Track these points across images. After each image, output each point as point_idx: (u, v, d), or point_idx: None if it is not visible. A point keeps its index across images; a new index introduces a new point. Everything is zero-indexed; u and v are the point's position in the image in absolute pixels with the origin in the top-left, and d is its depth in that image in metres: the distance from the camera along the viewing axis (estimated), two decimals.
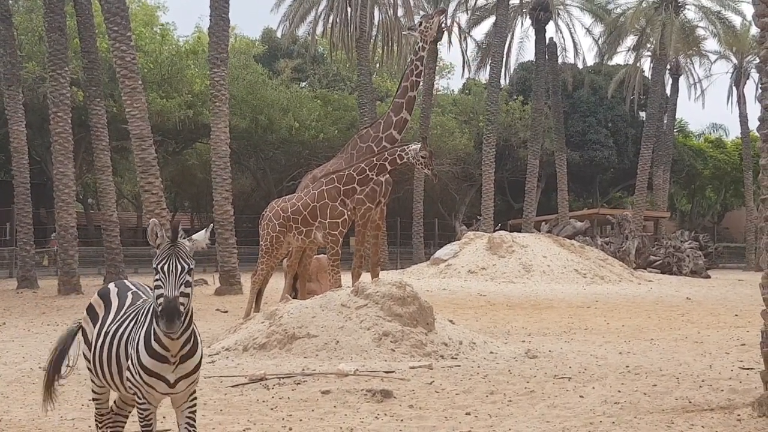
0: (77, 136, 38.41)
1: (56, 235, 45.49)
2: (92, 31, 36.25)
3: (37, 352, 15.93)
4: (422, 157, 17.88)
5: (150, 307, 6.68)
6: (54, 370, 7.98)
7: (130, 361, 6.70)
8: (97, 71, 36.11)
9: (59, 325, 21.02)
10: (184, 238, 6.54)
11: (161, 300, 6.26)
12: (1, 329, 20.61)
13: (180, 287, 6.27)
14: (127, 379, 6.76)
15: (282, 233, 19.03)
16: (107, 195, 35.37)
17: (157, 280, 6.33)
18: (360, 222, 19.50)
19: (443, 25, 19.94)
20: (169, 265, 6.31)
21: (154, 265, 6.37)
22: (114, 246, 34.85)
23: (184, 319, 6.39)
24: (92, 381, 7.55)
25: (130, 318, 6.93)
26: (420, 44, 19.58)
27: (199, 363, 6.78)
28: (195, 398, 6.98)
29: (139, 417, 6.85)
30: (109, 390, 7.59)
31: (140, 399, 6.74)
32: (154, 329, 6.47)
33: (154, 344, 6.50)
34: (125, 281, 7.69)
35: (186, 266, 6.35)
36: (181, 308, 6.25)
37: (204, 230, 6.74)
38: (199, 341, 6.75)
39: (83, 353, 7.54)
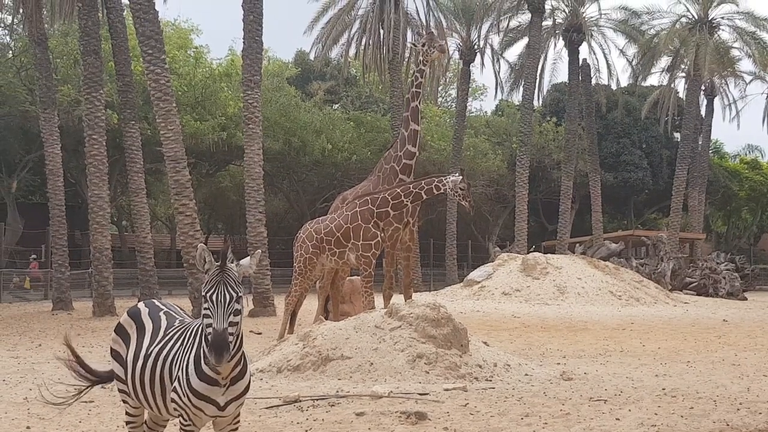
0: (112, 159, 38.71)
1: (35, 257, 45.98)
2: (127, 54, 36.49)
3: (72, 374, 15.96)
4: (461, 189, 17.83)
5: (197, 328, 6.64)
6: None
7: (177, 383, 6.63)
8: (131, 94, 36.36)
9: (94, 346, 21.09)
10: (232, 263, 6.48)
11: (210, 332, 6.22)
12: (36, 351, 20.70)
13: (229, 318, 6.21)
14: (173, 400, 6.71)
15: (315, 254, 19.03)
16: (141, 217, 35.52)
17: (206, 309, 6.28)
18: (388, 243, 19.48)
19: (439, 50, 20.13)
20: (217, 294, 6.25)
21: (203, 293, 6.32)
22: (148, 268, 34.99)
23: (234, 344, 6.35)
24: (125, 403, 7.49)
25: (174, 339, 6.88)
26: (421, 59, 19.82)
27: (248, 385, 6.74)
28: (239, 422, 6.93)
29: None
30: (144, 412, 7.54)
31: (185, 421, 6.68)
32: (204, 352, 6.43)
33: (204, 367, 6.46)
34: (153, 301, 7.64)
35: (235, 294, 6.30)
36: (230, 339, 6.19)
37: (250, 256, 6.69)
38: (248, 364, 6.72)
39: (116, 374, 7.47)
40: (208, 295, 6.27)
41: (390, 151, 19.92)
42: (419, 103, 19.96)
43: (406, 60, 54.58)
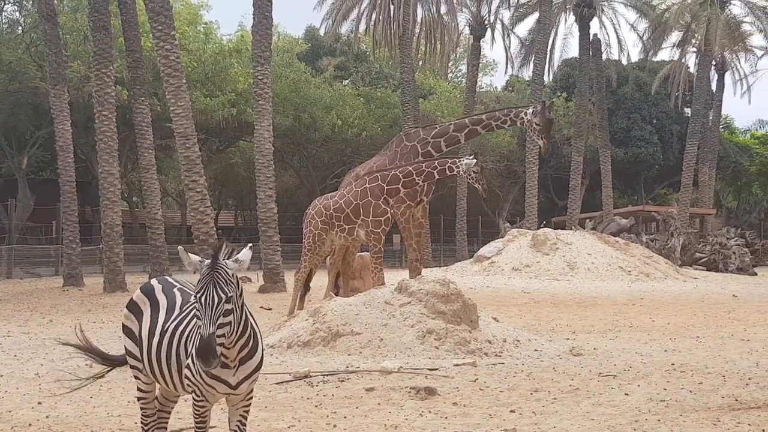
0: (122, 135, 38.74)
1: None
2: (137, 30, 36.47)
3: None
4: (474, 172, 17.84)
5: None
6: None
7: (190, 360, 6.66)
8: (141, 70, 36.35)
9: (105, 322, 21.20)
10: (229, 257, 6.38)
11: (198, 335, 6.22)
12: (47, 326, 20.80)
13: (218, 320, 6.11)
14: (186, 377, 6.75)
15: (325, 230, 19.08)
16: (152, 193, 35.60)
17: (197, 309, 6.27)
18: (402, 219, 19.53)
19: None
20: (206, 295, 6.14)
21: (194, 293, 6.30)
22: (159, 244, 35.11)
23: (246, 333, 6.46)
24: (137, 379, 7.52)
25: (190, 317, 6.84)
26: (528, 122, 19.51)
27: (260, 363, 6.74)
28: (251, 397, 6.97)
29: (195, 413, 6.86)
30: (155, 388, 7.58)
31: (198, 397, 6.73)
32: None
33: None
34: (166, 277, 7.65)
35: (224, 296, 6.15)
36: (218, 342, 6.11)
37: (246, 248, 6.61)
38: (259, 341, 6.70)
39: (127, 350, 7.49)
40: (197, 295, 6.19)
41: (419, 131, 19.95)
42: (482, 133, 20.28)
43: (416, 36, 54.41)
